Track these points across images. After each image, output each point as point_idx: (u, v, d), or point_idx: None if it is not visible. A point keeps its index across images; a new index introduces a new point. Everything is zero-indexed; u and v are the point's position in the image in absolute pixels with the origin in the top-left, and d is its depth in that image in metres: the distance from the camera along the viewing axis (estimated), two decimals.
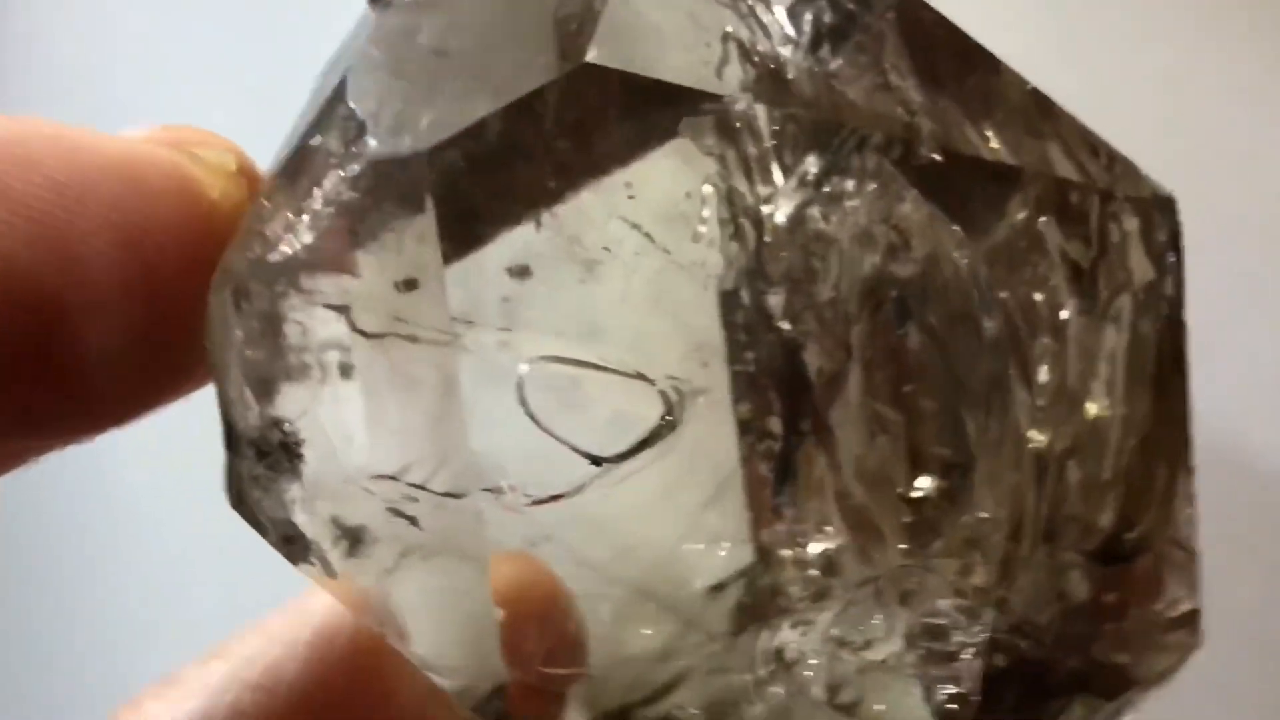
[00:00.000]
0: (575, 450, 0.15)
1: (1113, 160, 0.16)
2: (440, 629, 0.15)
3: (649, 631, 0.16)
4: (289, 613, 0.19)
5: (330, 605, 0.19)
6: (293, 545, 0.15)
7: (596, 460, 0.15)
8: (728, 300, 0.16)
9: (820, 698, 0.16)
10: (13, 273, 0.13)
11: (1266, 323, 0.32)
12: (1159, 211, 0.16)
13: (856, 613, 0.15)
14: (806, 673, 0.16)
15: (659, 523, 0.16)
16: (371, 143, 0.14)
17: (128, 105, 0.60)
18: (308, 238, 0.14)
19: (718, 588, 0.16)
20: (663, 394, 0.15)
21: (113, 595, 0.66)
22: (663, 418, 0.15)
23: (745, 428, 0.16)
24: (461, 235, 0.14)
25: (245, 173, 0.16)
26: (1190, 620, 0.17)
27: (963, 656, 0.15)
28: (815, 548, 0.16)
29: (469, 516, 0.14)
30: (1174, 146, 0.33)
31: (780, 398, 0.16)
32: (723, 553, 0.16)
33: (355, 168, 0.14)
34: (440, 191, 0.13)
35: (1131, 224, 0.16)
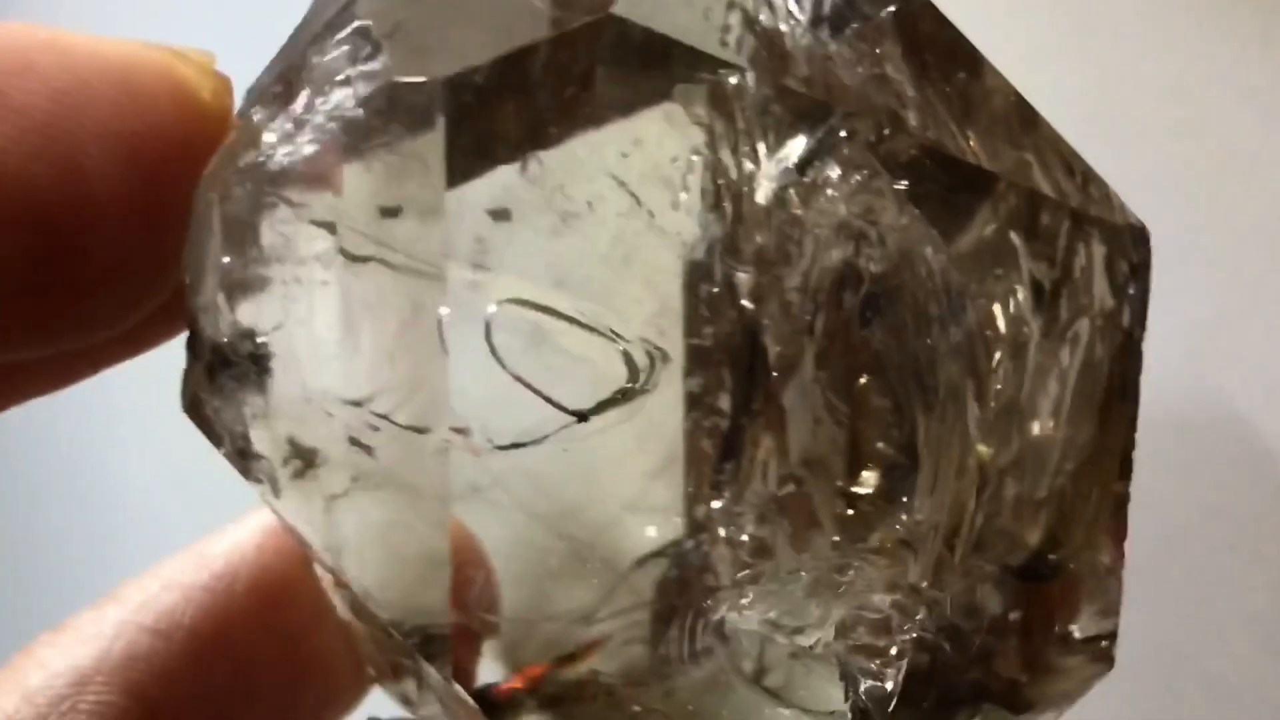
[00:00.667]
0: (544, 398, 0.14)
1: (1088, 181, 0.16)
2: (387, 562, 0.15)
3: (576, 592, 0.16)
4: (187, 557, 0.19)
5: (229, 550, 0.19)
6: (245, 459, 0.14)
7: (576, 414, 0.15)
8: (695, 271, 0.16)
9: (749, 675, 0.16)
10: (17, 188, 0.13)
11: (1276, 325, 0.33)
12: (1129, 241, 0.16)
13: (792, 598, 0.16)
14: (739, 651, 0.16)
15: (609, 486, 0.16)
16: (386, 63, 0.13)
17: None
18: (307, 150, 0.13)
19: (648, 558, 0.16)
20: (630, 355, 0.15)
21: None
22: (634, 378, 0.15)
23: (693, 401, 0.16)
24: (460, 169, 0.14)
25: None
26: (1096, 644, 0.17)
27: (890, 652, 0.15)
28: (750, 529, 0.16)
29: (430, 453, 0.14)
30: (1182, 151, 0.34)
31: (733, 376, 0.16)
32: (659, 525, 0.16)
33: (366, 86, 0.13)
34: (451, 122, 0.13)
35: (1098, 250, 0.16)
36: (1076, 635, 0.17)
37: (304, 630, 0.19)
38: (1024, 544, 0.16)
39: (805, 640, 0.16)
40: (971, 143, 0.16)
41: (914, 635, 0.15)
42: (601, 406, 0.15)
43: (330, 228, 0.14)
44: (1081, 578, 0.17)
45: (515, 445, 0.14)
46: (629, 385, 0.15)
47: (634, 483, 0.16)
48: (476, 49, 0.13)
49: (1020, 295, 0.16)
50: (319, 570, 0.18)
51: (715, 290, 0.16)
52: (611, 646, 0.17)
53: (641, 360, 0.15)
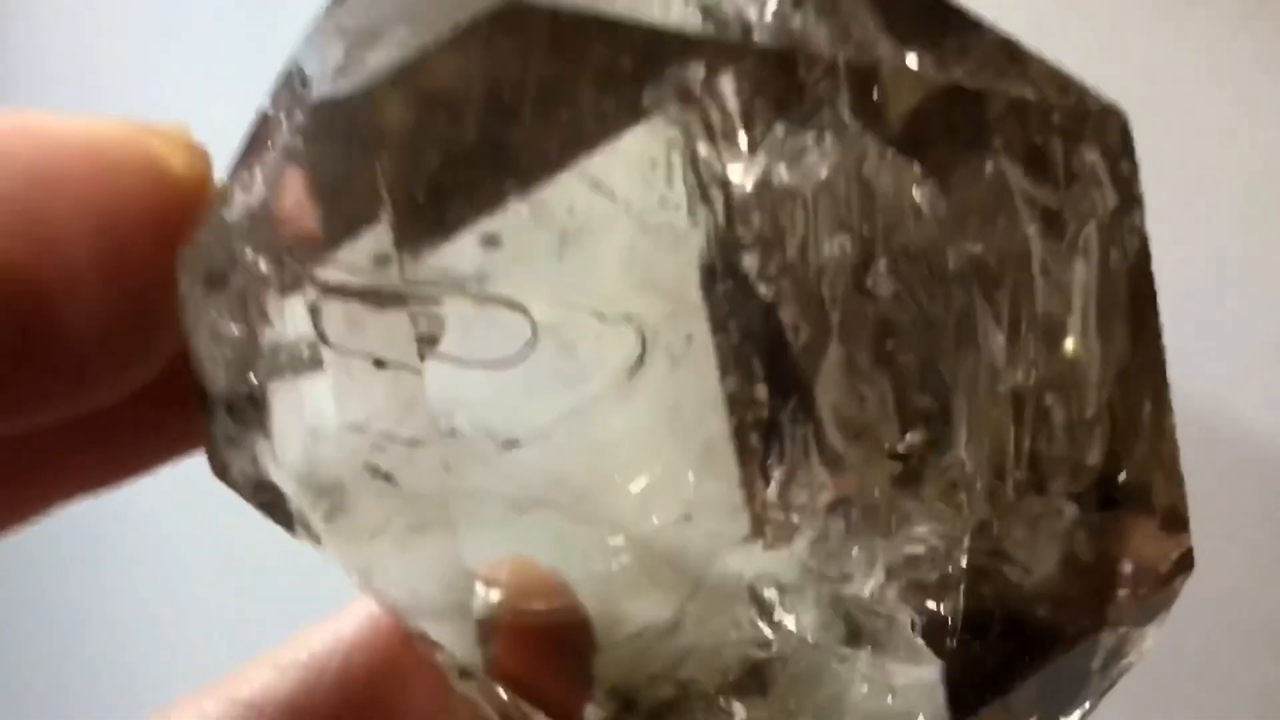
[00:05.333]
0: (533, 389, 0.15)
1: (1084, 97, 0.16)
2: (424, 588, 0.15)
3: (650, 603, 0.16)
4: (288, 643, 0.20)
5: (331, 632, 0.20)
6: (277, 511, 0.15)
7: (564, 399, 0.15)
8: (708, 272, 0.16)
9: (842, 640, 0.16)
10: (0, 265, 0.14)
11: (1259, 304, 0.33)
12: (1115, 136, 0.16)
13: (831, 546, 0.15)
14: (828, 621, 0.16)
15: (628, 474, 0.16)
16: (316, 89, 0.14)
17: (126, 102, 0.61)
18: (261, 191, 0.14)
19: (716, 561, 0.16)
20: (623, 334, 0.15)
21: (122, 600, 0.66)
22: (628, 355, 0.15)
23: (734, 402, 0.16)
24: (414, 200, 0.14)
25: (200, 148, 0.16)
26: (1176, 565, 0.17)
27: (944, 585, 0.15)
28: (806, 510, 0.16)
29: (438, 464, 0.14)
30: (1156, 132, 0.33)
31: (763, 363, 0.16)
32: (717, 525, 0.16)
33: (300, 116, 0.14)
34: (383, 135, 0.14)
35: (1092, 157, 0.16)
36: (1154, 563, 0.17)
37: (401, 710, 0.20)
38: (1085, 466, 0.16)
39: (857, 588, 0.15)
40: (958, 74, 0.16)
41: (965, 563, 0.15)
42: (604, 386, 0.15)
43: (299, 259, 0.14)
44: (1152, 493, 0.16)
45: (518, 443, 0.15)
46: (627, 361, 0.15)
47: (654, 472, 0.16)
48: (405, 52, 0.14)
49: (1024, 218, 0.16)
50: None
51: (729, 284, 0.16)
52: (701, 653, 0.17)
53: (633, 339, 0.15)
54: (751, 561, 0.16)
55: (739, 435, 0.16)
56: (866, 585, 0.15)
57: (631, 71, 0.15)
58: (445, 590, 0.15)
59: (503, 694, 0.16)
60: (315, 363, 0.14)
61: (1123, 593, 0.16)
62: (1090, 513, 0.17)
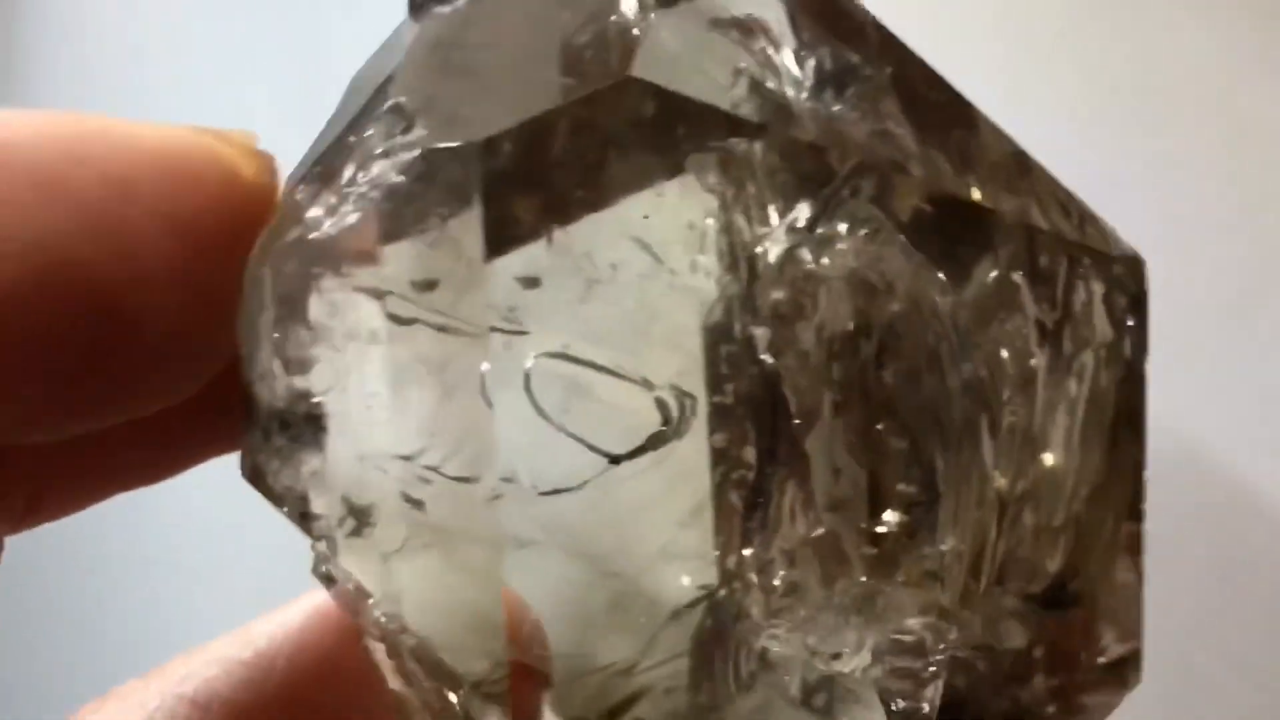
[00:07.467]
0: (585, 444, 0.15)
1: (1084, 220, 0.17)
2: (444, 613, 0.15)
3: (617, 643, 0.17)
4: (233, 635, 0.20)
5: (274, 629, 0.20)
6: (306, 521, 0.15)
7: (614, 458, 0.15)
8: (714, 332, 0.16)
9: (796, 698, 0.16)
10: (76, 271, 0.14)
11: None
12: (1126, 274, 0.17)
13: (828, 625, 0.16)
14: (785, 675, 0.16)
15: (642, 532, 0.16)
16: (423, 132, 0.14)
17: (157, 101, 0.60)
18: (351, 219, 0.14)
19: (683, 609, 0.17)
20: (664, 401, 0.16)
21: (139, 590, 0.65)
22: (665, 423, 0.16)
23: (720, 456, 0.17)
24: (494, 243, 0.14)
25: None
26: (1121, 668, 0.18)
27: (925, 674, 0.16)
28: (781, 573, 0.17)
29: (480, 502, 0.15)
30: (1211, 128, 0.34)
31: (756, 428, 0.17)
32: (693, 574, 0.17)
33: (405, 155, 0.14)
34: (488, 187, 0.14)
35: (1097, 287, 0.17)
36: (1101, 661, 0.18)
37: (346, 709, 0.20)
38: (1044, 571, 0.17)
39: (843, 666, 0.16)
40: (973, 191, 0.16)
41: (947, 656, 0.16)
42: (636, 451, 0.16)
43: (375, 293, 0.14)
44: (1100, 603, 0.17)
45: (557, 491, 0.15)
46: (662, 430, 0.16)
47: (665, 530, 0.16)
48: (504, 119, 0.14)
49: (1026, 333, 0.17)
50: (370, 643, 0.18)
51: (735, 348, 0.17)
52: (654, 696, 0.17)
53: (673, 406, 0.16)
54: (725, 616, 0.17)
55: (720, 490, 0.17)
56: (852, 662, 0.16)
57: (682, 136, 0.16)
58: (467, 608, 0.15)
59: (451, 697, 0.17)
60: (375, 393, 0.14)
61: (1071, 687, 0.17)
62: (1037, 611, 0.18)
